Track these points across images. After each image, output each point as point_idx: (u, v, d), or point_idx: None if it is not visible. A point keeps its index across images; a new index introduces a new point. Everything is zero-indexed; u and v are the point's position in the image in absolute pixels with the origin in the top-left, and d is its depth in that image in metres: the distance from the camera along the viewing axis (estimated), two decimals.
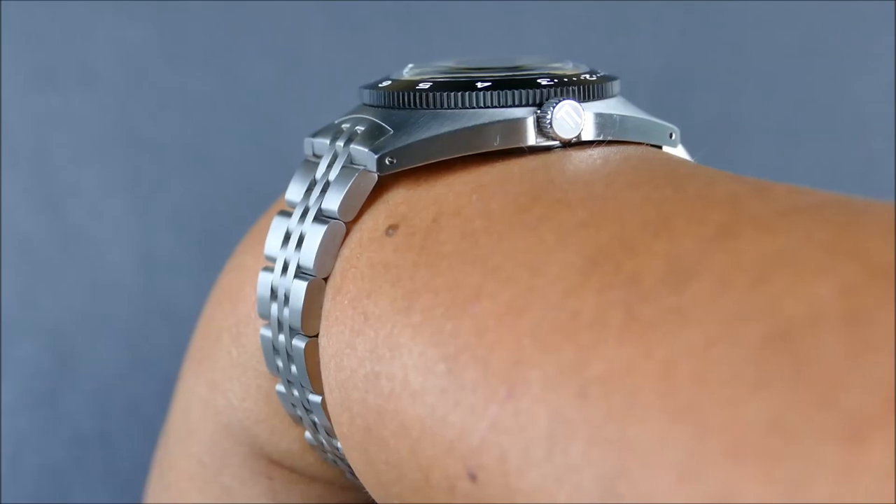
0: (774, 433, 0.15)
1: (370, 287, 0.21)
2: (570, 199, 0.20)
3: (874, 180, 0.42)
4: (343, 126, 0.23)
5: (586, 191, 0.20)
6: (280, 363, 0.23)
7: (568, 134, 0.22)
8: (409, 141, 0.21)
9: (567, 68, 0.23)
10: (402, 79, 0.23)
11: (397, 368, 0.19)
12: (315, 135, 0.23)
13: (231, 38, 0.43)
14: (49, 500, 0.42)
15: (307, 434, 0.24)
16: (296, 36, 0.44)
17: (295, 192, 0.23)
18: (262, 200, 0.43)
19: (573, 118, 0.22)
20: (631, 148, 0.23)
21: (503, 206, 0.20)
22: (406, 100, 0.22)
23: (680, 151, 0.24)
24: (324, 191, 0.22)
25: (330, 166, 0.22)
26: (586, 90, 0.22)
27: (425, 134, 0.21)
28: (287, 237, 0.22)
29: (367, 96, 0.23)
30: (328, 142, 0.23)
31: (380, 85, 0.23)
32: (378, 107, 0.23)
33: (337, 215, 0.21)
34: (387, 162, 0.21)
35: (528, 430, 0.17)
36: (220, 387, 0.25)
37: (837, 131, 0.43)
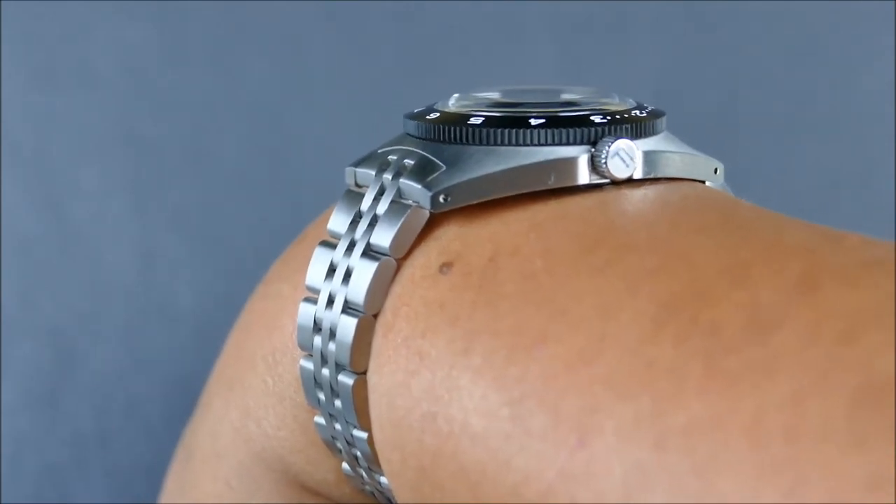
0: (874, 490, 0.15)
1: (425, 326, 0.20)
2: (636, 243, 0.20)
3: (874, 180, 0.42)
4: (389, 158, 0.22)
5: (651, 234, 0.20)
6: (322, 396, 0.23)
7: (622, 173, 0.22)
8: (464, 178, 0.21)
9: (615, 103, 0.23)
10: (450, 111, 0.23)
11: (456, 411, 0.19)
12: (358, 164, 0.23)
13: (231, 38, 0.43)
14: (49, 500, 0.42)
15: (345, 465, 0.24)
16: (296, 36, 0.44)
17: (339, 223, 0.22)
18: (262, 200, 0.43)
19: (628, 157, 0.22)
20: (685, 186, 0.23)
21: (564, 247, 0.20)
22: (458, 134, 0.22)
23: (723, 186, 0.24)
24: (371, 224, 0.22)
25: (377, 199, 0.22)
26: (638, 128, 0.22)
27: (480, 171, 0.21)
28: (331, 269, 0.22)
29: (414, 128, 0.23)
30: (373, 173, 0.22)
31: (427, 117, 0.23)
32: (426, 139, 0.22)
33: (388, 251, 0.21)
34: (441, 199, 0.21)
35: (601, 479, 0.17)
36: (254, 414, 0.25)
37: (837, 131, 0.43)
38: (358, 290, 0.21)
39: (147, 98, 0.42)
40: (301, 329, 0.22)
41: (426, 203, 0.21)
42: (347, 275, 0.22)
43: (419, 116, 0.23)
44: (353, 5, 0.44)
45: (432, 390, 0.20)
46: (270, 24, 0.44)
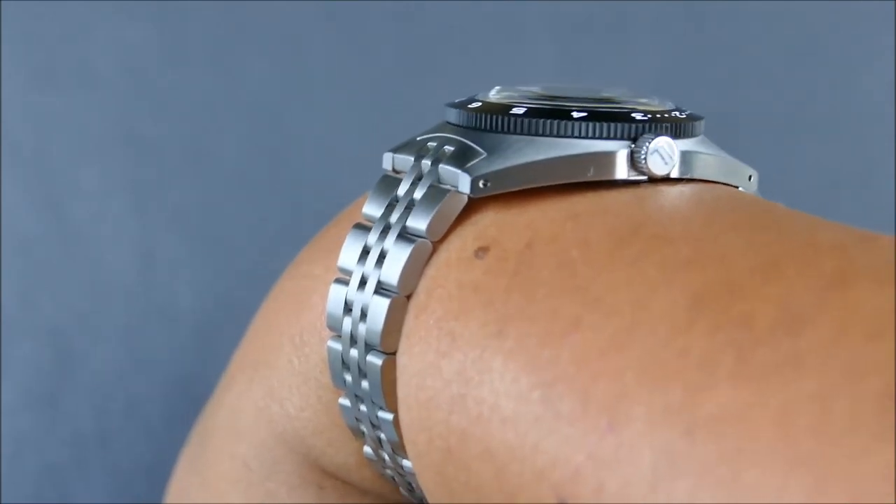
0: None
1: (459, 308, 0.21)
2: (671, 236, 0.20)
3: (874, 180, 0.42)
4: (428, 144, 0.23)
5: (686, 229, 0.20)
6: (349, 377, 0.23)
7: (660, 170, 0.22)
8: (505, 165, 0.21)
9: (654, 104, 0.24)
10: (492, 101, 0.23)
11: (487, 393, 0.20)
12: (396, 150, 0.23)
13: (231, 38, 0.43)
14: (49, 500, 0.42)
15: (367, 448, 0.24)
16: (296, 36, 0.44)
17: (374, 207, 0.22)
18: (262, 200, 0.43)
19: (667, 154, 0.22)
20: (719, 187, 0.23)
21: (601, 238, 0.20)
22: (500, 123, 0.22)
23: (755, 194, 0.25)
24: (408, 208, 0.22)
25: (415, 184, 0.22)
26: (677, 128, 0.23)
27: (521, 160, 0.22)
28: (365, 252, 0.22)
29: (455, 116, 0.23)
30: (412, 158, 0.22)
31: (469, 106, 0.23)
32: (466, 128, 0.23)
33: (424, 234, 0.21)
34: (480, 185, 0.21)
35: (629, 465, 0.17)
36: (277, 395, 0.25)
37: (837, 131, 0.43)
38: (392, 271, 0.21)
39: (147, 98, 0.42)
40: (331, 309, 0.23)
41: (466, 188, 0.21)
42: (381, 257, 0.22)
43: (460, 105, 0.23)
44: (353, 5, 0.44)
45: (463, 372, 0.20)
46: (270, 24, 0.44)
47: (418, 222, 0.22)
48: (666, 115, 0.23)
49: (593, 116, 0.22)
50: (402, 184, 0.22)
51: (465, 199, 0.22)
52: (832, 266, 0.18)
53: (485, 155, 0.22)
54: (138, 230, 0.42)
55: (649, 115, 0.22)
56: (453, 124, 0.23)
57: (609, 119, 0.22)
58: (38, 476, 0.42)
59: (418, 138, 0.23)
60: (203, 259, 0.42)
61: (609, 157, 0.22)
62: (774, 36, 0.44)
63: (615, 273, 0.19)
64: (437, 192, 0.22)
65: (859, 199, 0.42)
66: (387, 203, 0.22)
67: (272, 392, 0.25)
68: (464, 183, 0.21)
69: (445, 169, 0.22)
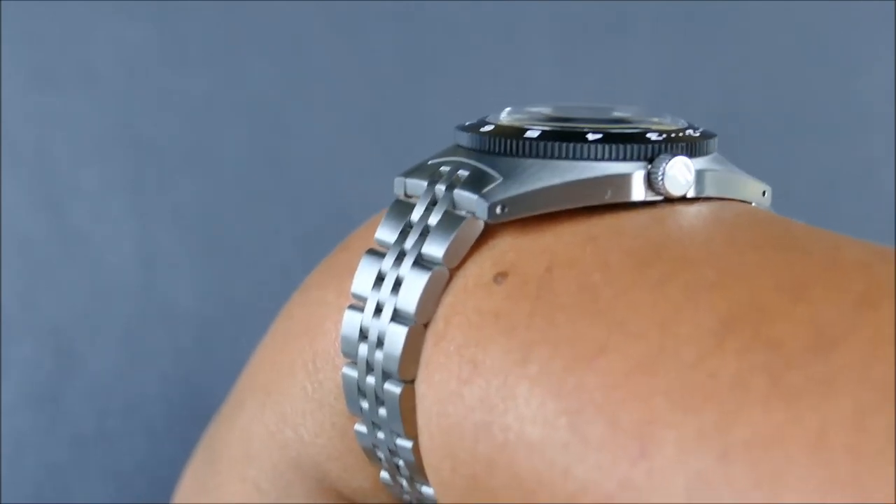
0: None
1: (479, 335, 0.21)
2: (693, 258, 0.20)
3: (874, 180, 0.42)
4: (441, 168, 0.22)
5: (708, 249, 0.20)
6: (365, 404, 0.23)
7: (678, 191, 0.22)
8: (522, 190, 0.21)
9: (666, 122, 0.23)
10: (504, 124, 0.23)
11: (512, 420, 0.19)
12: (408, 174, 0.23)
13: (231, 38, 0.43)
14: (49, 500, 0.42)
15: (384, 474, 0.24)
16: (296, 36, 0.44)
17: (387, 232, 0.22)
18: (263, 200, 0.43)
19: (684, 175, 0.22)
20: (736, 205, 0.23)
21: (621, 260, 0.20)
22: (514, 147, 0.22)
23: (768, 209, 0.25)
24: (422, 234, 0.22)
25: (429, 210, 0.22)
26: (693, 146, 0.22)
27: (537, 184, 0.21)
28: (380, 278, 0.22)
29: (467, 140, 0.23)
30: (425, 183, 0.22)
31: (482, 129, 0.23)
32: (479, 151, 0.22)
33: (441, 261, 0.21)
34: (498, 210, 0.21)
35: (662, 491, 0.17)
36: (291, 420, 0.25)
37: (837, 131, 0.43)
38: (409, 299, 0.21)
39: (147, 98, 0.42)
40: (346, 336, 0.22)
41: (483, 213, 0.21)
42: (397, 284, 0.22)
43: (472, 129, 0.23)
44: (353, 5, 0.44)
45: (487, 399, 0.20)
46: (270, 24, 0.44)
47: (435, 249, 0.21)
48: (681, 135, 0.22)
49: (608, 138, 0.22)
50: (416, 209, 0.22)
51: (482, 224, 0.21)
52: (860, 286, 0.18)
53: (500, 180, 0.22)
54: (138, 230, 0.42)
55: (664, 135, 0.22)
56: (465, 148, 0.23)
57: (625, 140, 0.22)
58: (38, 476, 0.42)
59: (430, 162, 0.23)
60: (203, 259, 0.42)
61: (626, 178, 0.22)
62: (774, 36, 0.44)
63: (639, 296, 0.19)
64: (452, 219, 0.21)
65: (859, 199, 0.42)
66: (400, 228, 0.22)
67: (285, 417, 0.25)
68: (481, 209, 0.21)
69: (461, 194, 0.22)
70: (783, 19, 0.44)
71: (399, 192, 0.23)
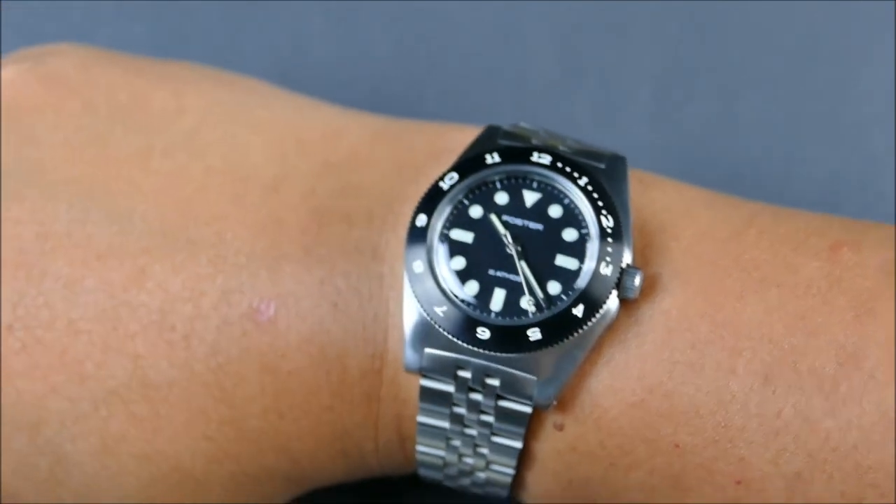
0: None
1: None
2: None
3: (874, 181, 0.42)
4: (459, 374, 0.27)
5: None
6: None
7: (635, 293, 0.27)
8: (562, 382, 0.27)
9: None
10: (499, 325, 0.28)
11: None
12: (425, 372, 0.28)
13: (231, 38, 0.43)
14: None
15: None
16: (296, 36, 0.44)
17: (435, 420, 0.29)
18: None
19: (633, 281, 0.28)
20: None
21: None
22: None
23: None
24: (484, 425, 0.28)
25: (472, 409, 0.28)
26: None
27: (572, 367, 0.27)
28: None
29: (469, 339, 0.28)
30: (452, 389, 0.28)
31: (478, 335, 0.27)
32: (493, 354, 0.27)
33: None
34: (552, 405, 0.27)
35: None
36: None
37: (837, 131, 0.43)
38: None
39: None
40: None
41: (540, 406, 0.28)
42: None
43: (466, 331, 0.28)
44: (353, 5, 0.44)
45: None
46: (270, 24, 0.44)
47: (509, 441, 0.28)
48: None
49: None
50: (458, 409, 0.28)
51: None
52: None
53: (535, 378, 0.27)
54: None
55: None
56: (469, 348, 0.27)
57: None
58: None
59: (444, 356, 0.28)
60: None
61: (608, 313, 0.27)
62: (774, 36, 0.44)
63: None
64: (513, 416, 0.27)
65: (859, 199, 0.42)
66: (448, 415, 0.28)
67: None
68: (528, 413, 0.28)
69: (507, 407, 0.27)
70: (783, 19, 0.44)
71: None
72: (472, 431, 0.28)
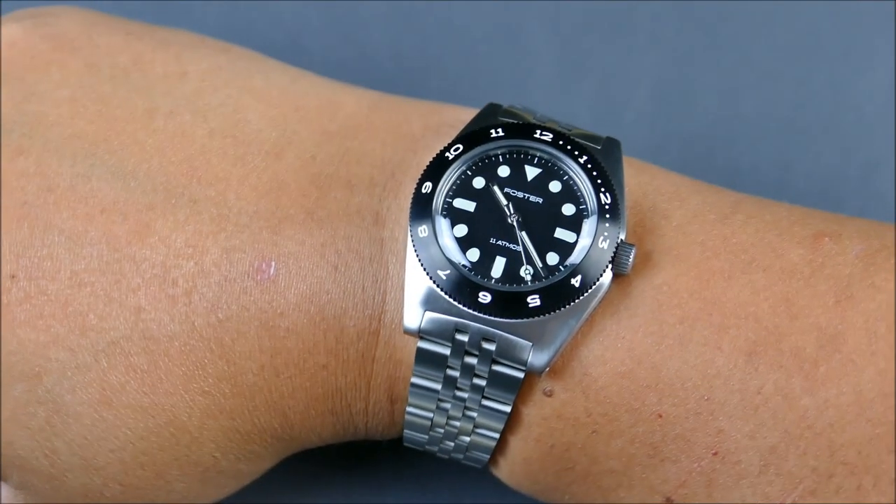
0: None
1: None
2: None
3: (874, 181, 0.42)
4: (457, 337, 0.28)
5: None
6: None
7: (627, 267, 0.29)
8: (555, 350, 0.27)
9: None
10: (502, 288, 0.28)
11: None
12: (422, 337, 0.28)
13: (231, 38, 0.43)
14: None
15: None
16: (296, 36, 0.44)
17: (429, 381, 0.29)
18: None
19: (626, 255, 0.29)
20: None
21: None
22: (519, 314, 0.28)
23: None
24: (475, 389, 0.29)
25: (468, 375, 0.29)
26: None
27: (565, 333, 0.28)
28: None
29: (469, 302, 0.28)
30: (447, 351, 0.28)
31: (479, 300, 0.28)
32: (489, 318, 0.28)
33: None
34: (545, 373, 0.28)
35: None
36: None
37: (837, 131, 0.43)
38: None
39: None
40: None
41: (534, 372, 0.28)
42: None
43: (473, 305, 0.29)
44: (353, 5, 0.44)
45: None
46: (270, 24, 0.44)
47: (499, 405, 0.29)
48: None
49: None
50: (451, 372, 0.28)
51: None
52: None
53: (531, 344, 0.27)
54: None
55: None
56: (471, 311, 0.28)
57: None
58: None
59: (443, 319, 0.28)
60: None
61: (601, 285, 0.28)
62: (774, 36, 0.44)
63: None
64: (505, 381, 0.28)
65: (859, 199, 0.42)
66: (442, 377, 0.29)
67: None
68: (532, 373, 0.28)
69: (500, 372, 0.28)
70: (783, 19, 0.44)
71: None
72: (464, 394, 0.29)
